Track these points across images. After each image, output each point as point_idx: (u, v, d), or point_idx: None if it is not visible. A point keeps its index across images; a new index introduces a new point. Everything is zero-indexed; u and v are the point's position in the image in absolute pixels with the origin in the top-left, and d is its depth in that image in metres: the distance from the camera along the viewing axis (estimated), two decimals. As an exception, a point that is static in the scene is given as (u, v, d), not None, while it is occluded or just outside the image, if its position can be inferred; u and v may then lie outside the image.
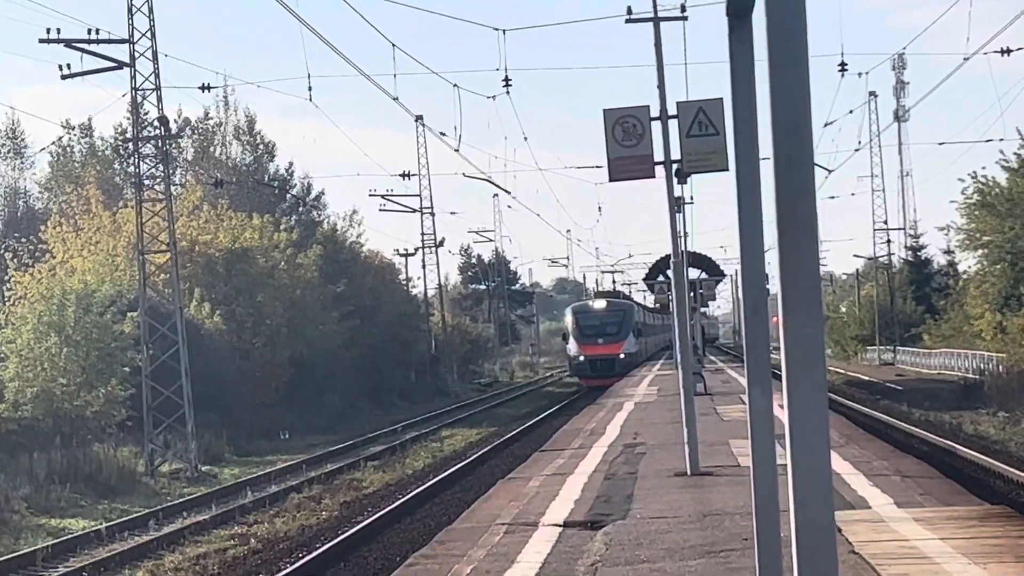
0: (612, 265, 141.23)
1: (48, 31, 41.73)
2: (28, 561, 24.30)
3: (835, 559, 5.72)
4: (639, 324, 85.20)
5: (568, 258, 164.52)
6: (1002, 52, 51.71)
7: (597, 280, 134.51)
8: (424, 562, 15.02)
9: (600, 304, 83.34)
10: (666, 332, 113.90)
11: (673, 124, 21.62)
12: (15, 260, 51.68)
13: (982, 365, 63.10)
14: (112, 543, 26.50)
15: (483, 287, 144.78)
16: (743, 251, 6.26)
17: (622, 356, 77.76)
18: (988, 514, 15.88)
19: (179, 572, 22.63)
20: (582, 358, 78.44)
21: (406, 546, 22.48)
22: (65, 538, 27.06)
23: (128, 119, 52.11)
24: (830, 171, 71.63)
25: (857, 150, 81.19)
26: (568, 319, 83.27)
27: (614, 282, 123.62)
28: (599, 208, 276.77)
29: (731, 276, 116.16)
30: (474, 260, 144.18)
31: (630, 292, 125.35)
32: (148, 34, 43.22)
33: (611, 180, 22.41)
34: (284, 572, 21.16)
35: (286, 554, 23.94)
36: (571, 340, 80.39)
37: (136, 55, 43.39)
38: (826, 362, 4.83)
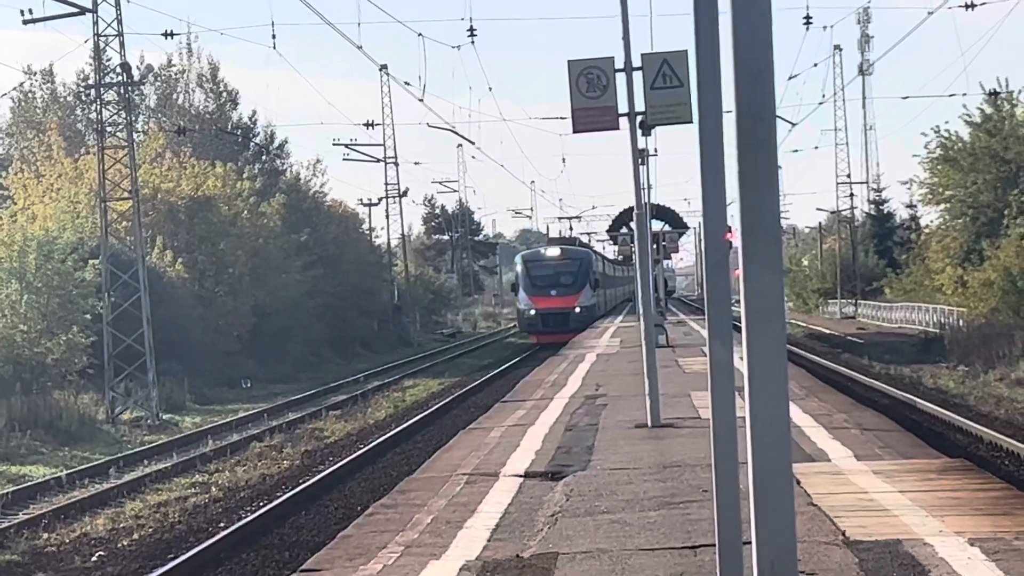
0: (579, 220, 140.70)
1: (9, -25, 41.36)
2: (-12, 508, 24.24)
3: (792, 511, 5.75)
4: (597, 275, 79.07)
5: (532, 209, 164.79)
6: (967, 6, 51.72)
7: (560, 231, 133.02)
8: (385, 511, 15.04)
9: (553, 252, 76.50)
10: (627, 284, 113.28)
11: (637, 76, 21.55)
12: (-24, 206, 51.38)
13: (942, 319, 63.43)
14: (72, 490, 26.44)
15: (446, 238, 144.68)
16: (705, 203, 6.27)
17: (577, 310, 71.67)
18: (947, 467, 15.99)
19: (140, 519, 22.60)
20: (533, 312, 72.13)
21: (367, 495, 22.49)
22: (25, 485, 26.99)
23: (90, 65, 51.64)
24: (794, 124, 71.83)
25: (821, 103, 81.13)
26: (518, 268, 76.54)
27: (571, 229, 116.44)
28: (563, 160, 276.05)
29: (694, 229, 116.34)
30: (438, 210, 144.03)
31: (590, 241, 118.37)
32: (111, -21, 42.84)
33: (575, 131, 22.36)
34: (245, 520, 21.16)
35: (247, 502, 23.94)
36: (521, 292, 74.17)
37: (99, 1, 43.05)
38: (785, 312, 4.84)
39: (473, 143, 78.99)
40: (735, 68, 4.69)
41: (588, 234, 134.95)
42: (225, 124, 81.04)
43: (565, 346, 50.88)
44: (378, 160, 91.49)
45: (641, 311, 23.09)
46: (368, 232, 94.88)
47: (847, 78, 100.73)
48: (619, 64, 21.86)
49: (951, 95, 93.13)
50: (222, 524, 21.58)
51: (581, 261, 74.56)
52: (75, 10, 42.93)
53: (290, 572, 13.62)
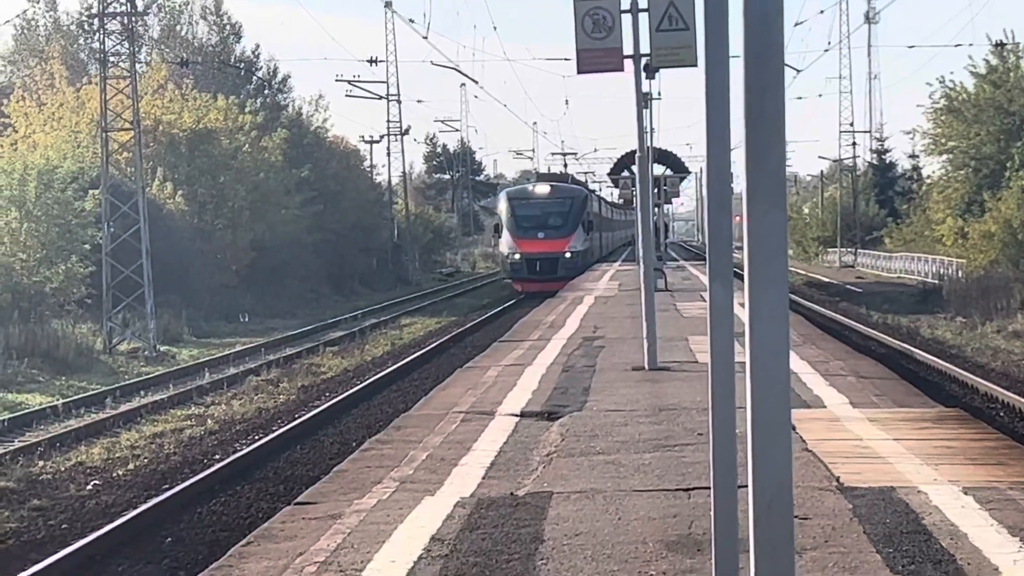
0: (577, 158, 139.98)
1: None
2: (-16, 435, 24.30)
3: (790, 456, 5.76)
4: (592, 216, 70.81)
5: (533, 150, 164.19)
6: (976, -43, 51.42)
7: (560, 170, 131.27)
8: (380, 447, 15.07)
9: (542, 189, 67.67)
10: (626, 228, 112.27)
11: (644, 17, 21.47)
12: (-24, 133, 51.25)
13: (942, 270, 63.43)
14: (68, 419, 26.50)
15: (447, 177, 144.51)
16: (709, 145, 6.24)
17: (568, 255, 63.56)
18: (942, 416, 16.01)
19: (135, 450, 22.65)
20: (517, 256, 63.55)
21: (363, 431, 22.54)
22: (21, 413, 27.05)
23: (94, -6, 51.43)
24: (799, 71, 71.71)
25: (826, 51, 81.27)
26: (501, 207, 68.08)
27: (565, 165, 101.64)
28: (566, 101, 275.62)
29: (696, 174, 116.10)
30: (439, 149, 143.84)
31: (586, 181, 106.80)
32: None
33: (579, 72, 22.29)
34: (240, 453, 21.21)
35: (242, 435, 23.99)
36: (504, 233, 65.42)
37: (103, -71, 42.82)
38: (788, 255, 4.82)
39: (476, 82, 78.05)
40: (744, 7, 4.66)
41: (585, 173, 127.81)
42: (228, 57, 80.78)
43: (564, 288, 50.47)
44: (381, 97, 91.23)
45: (641, 254, 23.07)
46: (369, 169, 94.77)
47: (853, 26, 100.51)
48: (625, 5, 21.78)
49: (957, 45, 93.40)
50: (217, 456, 21.63)
51: (573, 200, 66.64)
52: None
53: (284, 505, 13.66)
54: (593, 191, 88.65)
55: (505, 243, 64.98)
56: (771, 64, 4.65)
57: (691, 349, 24.34)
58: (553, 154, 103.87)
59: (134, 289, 42.28)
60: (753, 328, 5.09)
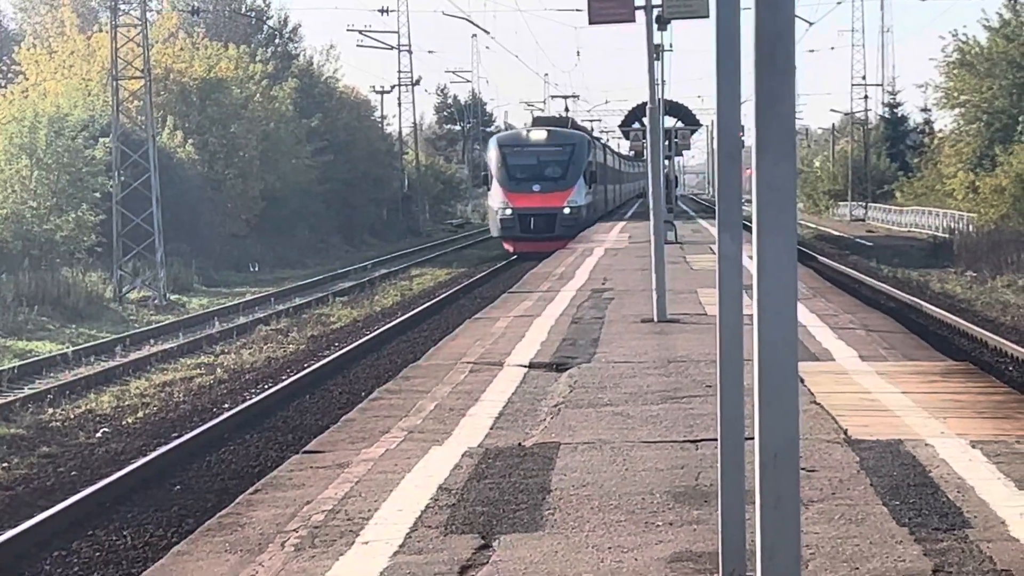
0: (589, 111, 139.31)
1: None
2: (-7, 382, 24.38)
3: (796, 407, 5.76)
4: (595, 166, 62.29)
5: (544, 102, 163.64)
6: (991, -91, 51.16)
7: (565, 114, 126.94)
8: (389, 396, 15.09)
9: (538, 135, 58.81)
10: (636, 180, 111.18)
11: (656, -32, 21.39)
12: (-13, 81, 51.23)
13: (952, 224, 63.30)
14: (78, 367, 26.55)
15: (458, 128, 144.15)
16: (720, 96, 6.22)
17: (567, 210, 55.64)
18: (950, 370, 16.01)
19: (144, 398, 22.72)
20: (509, 212, 55.20)
21: (371, 381, 22.58)
22: (31, 360, 27.12)
23: (104, -58, 51.36)
24: (811, 23, 71.44)
25: (839, 3, 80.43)
26: (491, 154, 58.68)
27: (567, 109, 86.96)
28: (577, 52, 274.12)
29: (707, 127, 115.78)
30: (450, 100, 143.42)
31: (592, 129, 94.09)
32: None
33: (591, 23, 22.24)
34: (249, 402, 21.27)
35: (252, 384, 24.05)
36: (494, 185, 56.91)
37: None
38: (796, 206, 4.81)
39: (488, 33, 77.50)
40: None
41: (592, 121, 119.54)
42: (239, 6, 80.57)
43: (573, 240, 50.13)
44: (392, 47, 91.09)
45: (652, 206, 23.03)
46: (380, 120, 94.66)
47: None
48: (637, -44, 21.69)
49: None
50: (226, 405, 21.70)
51: (574, 147, 57.99)
52: None
53: (293, 453, 13.70)
54: (599, 138, 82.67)
55: (495, 196, 56.91)
56: (782, 13, 4.63)
57: (700, 301, 24.33)
58: (553, 97, 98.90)
59: (144, 238, 42.32)
60: (761, 280, 5.08)
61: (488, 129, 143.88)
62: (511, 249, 56.14)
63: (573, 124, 68.59)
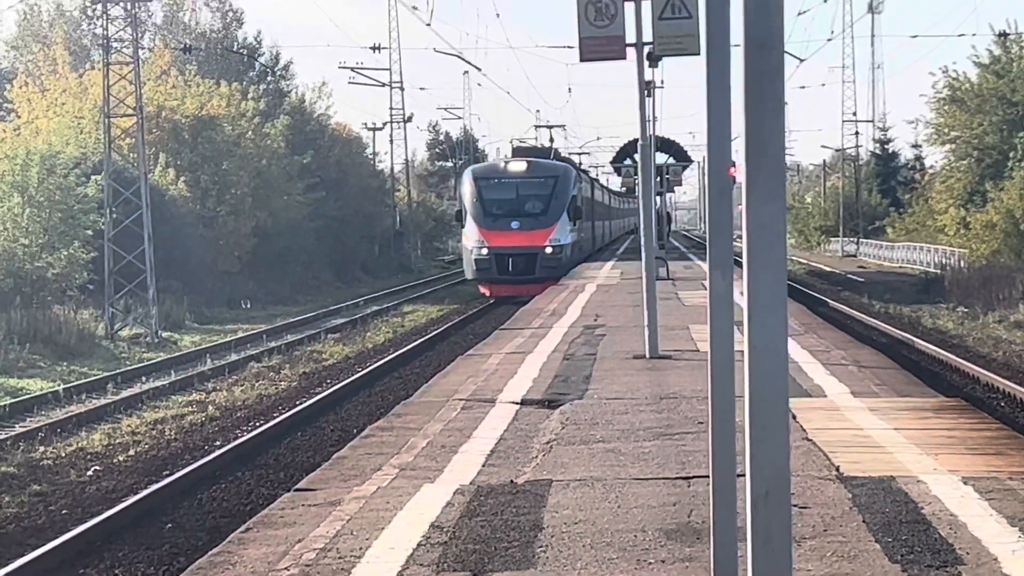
0: (580, 147, 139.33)
1: None
2: (-15, 420, 24.32)
3: (788, 444, 5.76)
4: (580, 200, 55.73)
5: (536, 138, 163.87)
6: (980, -53, 51.43)
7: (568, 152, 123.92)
8: (381, 434, 15.07)
9: (517, 166, 53.27)
10: (624, 217, 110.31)
11: (646, 6, 21.44)
12: (-21, 118, 51.30)
13: (944, 260, 63.40)
14: (70, 405, 26.51)
15: (450, 164, 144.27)
16: (710, 134, 6.24)
17: (549, 250, 50.17)
18: (942, 406, 16.01)
19: (136, 436, 22.68)
20: (484, 251, 49.80)
21: (363, 418, 22.55)
22: (22, 398, 27.06)
23: (97, -20, 51.48)
24: (801, 60, 71.57)
25: (829, 40, 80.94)
26: (465, 187, 52.82)
27: (551, 140, 77.47)
28: (569, 89, 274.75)
29: (698, 163, 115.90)
30: (442, 137, 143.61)
31: (580, 162, 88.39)
32: None
33: (582, 60, 22.28)
34: (241, 439, 21.22)
35: (244, 422, 24.01)
36: (468, 222, 51.36)
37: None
38: (786, 242, 4.82)
39: (479, 70, 77.17)
40: (745, -6, 4.66)
41: (581, 154, 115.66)
42: (231, 44, 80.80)
43: (565, 276, 49.10)
44: (384, 84, 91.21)
45: (643, 243, 23.06)
46: (372, 157, 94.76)
47: (856, 15, 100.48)
48: (628, -7, 21.75)
49: (960, 35, 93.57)
50: (218, 443, 21.65)
51: (557, 180, 52.33)
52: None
53: (284, 491, 13.67)
54: (585, 171, 77.61)
55: (469, 234, 51.28)
56: (772, 52, 4.65)
57: (692, 337, 24.33)
58: (538, 127, 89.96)
59: (136, 275, 42.31)
60: (752, 316, 5.09)
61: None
62: (487, 293, 51.43)
63: (556, 155, 63.10)
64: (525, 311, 34.08)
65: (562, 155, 68.10)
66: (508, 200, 51.31)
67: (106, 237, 42.43)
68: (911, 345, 32.75)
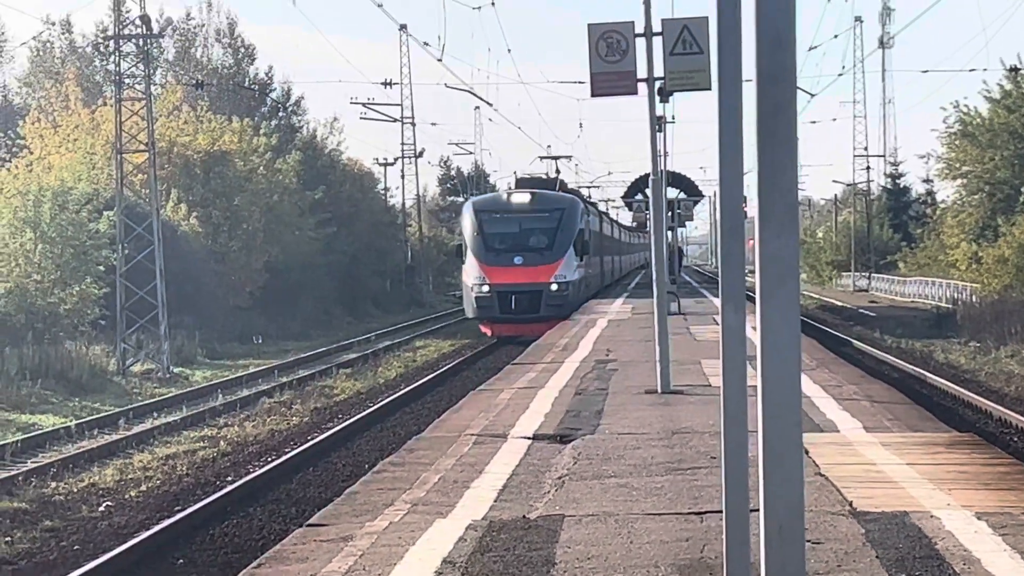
0: (591, 181, 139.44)
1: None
2: (-4, 456, 24.32)
3: (801, 479, 5.75)
4: (587, 234, 53.01)
5: (547, 173, 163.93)
6: (990, -18, 51.51)
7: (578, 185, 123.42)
8: (392, 469, 15.05)
9: (520, 198, 50.56)
10: (635, 252, 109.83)
11: (657, 41, 21.49)
12: (-8, 155, 51.45)
13: (956, 294, 63.28)
14: (81, 440, 26.52)
15: (461, 199, 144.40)
16: (722, 169, 6.24)
17: (554, 287, 47.65)
18: (955, 441, 15.96)
19: (148, 471, 22.67)
20: (486, 288, 47.44)
21: (375, 453, 22.55)
22: (34, 434, 27.07)
23: (110, 17, 51.72)
24: (812, 95, 71.61)
25: (840, 75, 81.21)
26: (466, 221, 50.48)
27: (558, 171, 73.11)
28: (580, 124, 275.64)
29: (710, 197, 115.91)
30: (453, 172, 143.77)
31: (589, 195, 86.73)
32: (132, -69, 42.82)
33: (593, 95, 22.31)
34: (253, 475, 21.21)
35: (255, 457, 24.01)
36: (468, 257, 48.97)
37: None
38: (799, 277, 4.82)
39: (491, 105, 77.13)
40: (757, 29, 4.66)
41: (589, 187, 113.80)
42: (242, 79, 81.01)
43: (576, 310, 48.35)
44: (395, 120, 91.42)
45: (655, 277, 23.05)
46: (383, 192, 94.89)
47: (867, 50, 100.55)
48: (639, 29, 21.80)
49: (971, 70, 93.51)
50: (230, 478, 21.64)
51: (563, 213, 49.84)
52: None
53: (296, 527, 13.64)
54: (594, 203, 75.40)
55: (469, 271, 48.82)
56: (783, 87, 4.66)
57: (704, 372, 24.30)
58: (543, 158, 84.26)
59: (148, 310, 42.35)
60: (764, 351, 5.09)
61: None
62: (489, 332, 49.16)
63: (562, 186, 59.70)
64: (537, 346, 34.06)
65: (568, 187, 65.77)
66: (511, 234, 49.17)
67: (118, 273, 42.50)
68: (923, 380, 32.70)
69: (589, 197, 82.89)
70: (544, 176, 65.55)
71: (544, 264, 47.74)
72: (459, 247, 50.78)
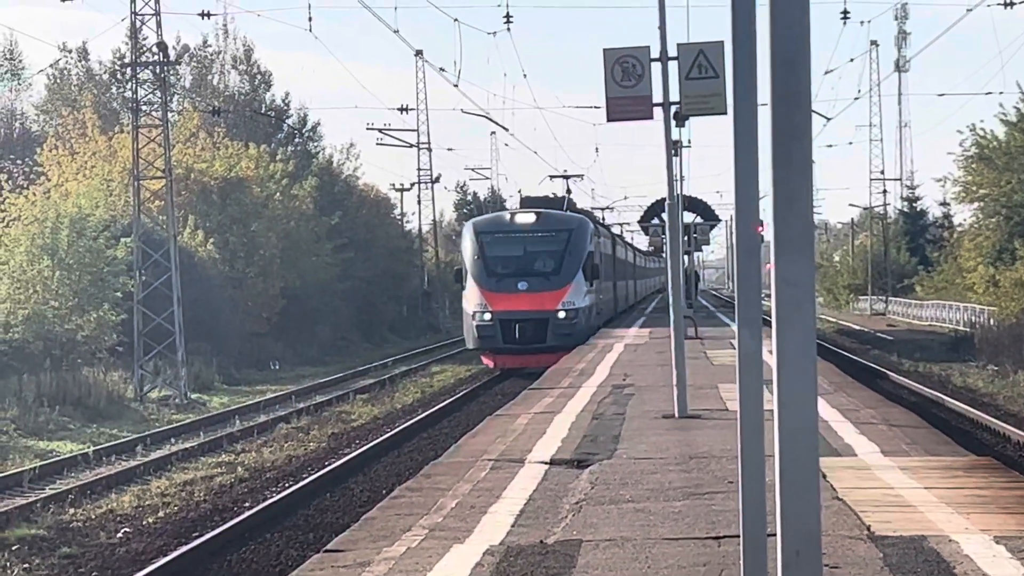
0: (606, 206, 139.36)
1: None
2: (15, 482, 24.35)
3: (818, 503, 5.74)
4: (598, 257, 49.20)
5: (553, 193, 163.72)
6: (1005, 5, 51.60)
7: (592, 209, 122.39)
8: (410, 494, 15.04)
9: (525, 218, 46.91)
10: (651, 277, 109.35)
11: (673, 66, 21.50)
12: (10, 182, 51.41)
13: (973, 318, 63.20)
14: (99, 467, 26.56)
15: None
16: (738, 193, 6.25)
17: (562, 315, 44.26)
18: (974, 465, 15.92)
19: (165, 497, 22.69)
20: (488, 316, 44.04)
21: (392, 479, 22.54)
22: (52, 460, 27.12)
23: (127, 44, 51.96)
24: (828, 119, 71.54)
25: (856, 99, 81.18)
26: (466, 243, 46.92)
27: (568, 192, 66.94)
28: (596, 149, 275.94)
29: (726, 221, 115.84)
30: (469, 197, 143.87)
31: (602, 217, 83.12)
32: (149, -42, 42.98)
33: (609, 120, 22.32)
34: (270, 501, 21.21)
35: (273, 483, 24.02)
36: (469, 283, 45.30)
37: (136, -21, 43.19)
38: (815, 301, 4.82)
39: (507, 130, 76.89)
40: (772, 53, 4.68)
41: (603, 209, 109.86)
42: (259, 106, 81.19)
43: (594, 335, 47.06)
44: (411, 145, 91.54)
45: (672, 301, 23.04)
46: (399, 217, 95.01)
47: (883, 74, 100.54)
48: (655, 53, 21.83)
49: (988, 93, 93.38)
50: (247, 504, 21.65)
51: (571, 234, 46.19)
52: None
53: (314, 553, 13.64)
54: (606, 225, 71.70)
55: (470, 297, 45.23)
56: (799, 111, 4.67)
57: (721, 397, 24.26)
58: (552, 177, 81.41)
59: (165, 337, 42.43)
60: (780, 375, 5.09)
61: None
62: (491, 364, 46.04)
63: (571, 206, 56.21)
64: (554, 371, 34.04)
65: (578, 207, 61.83)
66: (515, 257, 45.53)
67: (135, 299, 42.61)
68: (941, 403, 32.63)
69: (602, 219, 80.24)
70: (552, 196, 61.65)
71: (551, 290, 44.69)
72: (459, 271, 47.32)
